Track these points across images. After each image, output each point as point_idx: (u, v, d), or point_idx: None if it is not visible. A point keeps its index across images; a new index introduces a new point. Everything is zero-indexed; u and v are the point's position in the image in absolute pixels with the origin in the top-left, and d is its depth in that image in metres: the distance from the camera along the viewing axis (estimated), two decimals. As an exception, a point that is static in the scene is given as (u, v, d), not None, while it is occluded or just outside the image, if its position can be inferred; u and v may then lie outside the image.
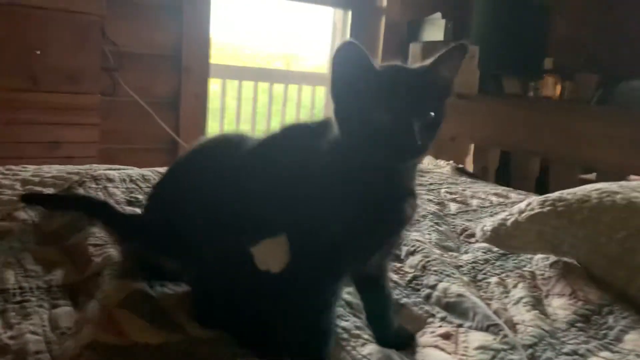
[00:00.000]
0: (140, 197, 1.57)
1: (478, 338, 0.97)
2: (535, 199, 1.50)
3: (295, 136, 0.96)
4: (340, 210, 0.85)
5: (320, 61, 4.47)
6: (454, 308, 1.08)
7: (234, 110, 3.77)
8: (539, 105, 2.63)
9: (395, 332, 1.00)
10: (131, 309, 0.96)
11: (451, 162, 2.45)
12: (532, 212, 1.46)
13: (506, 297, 1.19)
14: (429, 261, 1.27)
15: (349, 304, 1.05)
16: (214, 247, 0.96)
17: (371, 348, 0.93)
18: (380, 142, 0.80)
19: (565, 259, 1.36)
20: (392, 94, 0.80)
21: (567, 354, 0.96)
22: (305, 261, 0.88)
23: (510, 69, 4.19)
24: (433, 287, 1.17)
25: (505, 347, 0.92)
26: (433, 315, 1.08)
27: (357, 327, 0.98)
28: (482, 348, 0.93)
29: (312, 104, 4.10)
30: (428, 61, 0.84)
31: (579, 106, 2.65)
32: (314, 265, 0.88)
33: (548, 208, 1.44)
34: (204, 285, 1.00)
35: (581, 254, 1.33)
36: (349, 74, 0.81)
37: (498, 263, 1.39)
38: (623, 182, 1.47)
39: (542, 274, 1.31)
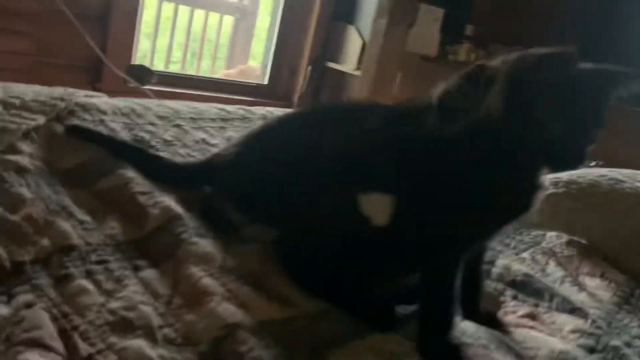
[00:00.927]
0: (146, 136, 1.39)
1: (567, 321, 1.00)
2: (545, 178, 1.57)
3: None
4: (484, 198, 0.85)
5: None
6: (524, 287, 1.11)
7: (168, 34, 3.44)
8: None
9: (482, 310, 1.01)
10: (238, 277, 0.86)
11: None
12: (547, 192, 1.53)
13: (547, 275, 1.25)
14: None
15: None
16: (321, 205, 0.90)
17: (468, 325, 0.93)
18: (566, 151, 0.80)
19: (577, 238, 1.45)
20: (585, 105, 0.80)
21: (636, 336, 1.04)
22: (437, 238, 0.87)
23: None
24: (491, 262, 1.19)
25: (600, 331, 0.97)
26: (502, 294, 1.10)
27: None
28: (579, 332, 0.97)
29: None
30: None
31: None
32: (451, 238, 0.87)
33: (562, 189, 1.53)
34: (307, 251, 0.93)
35: (594, 236, 1.43)
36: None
37: (518, 238, 1.45)
38: (624, 171, 1.59)
39: (562, 252, 1.39)
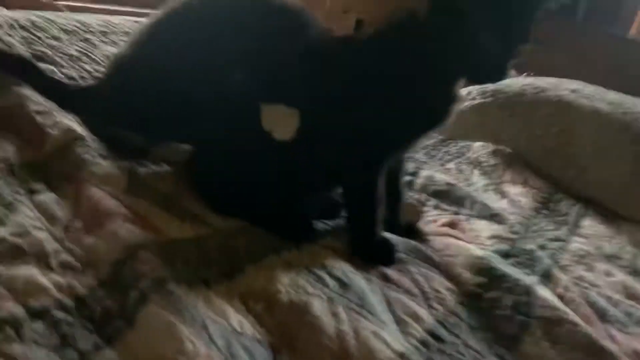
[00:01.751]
0: (48, 52, 1.27)
1: (485, 227, 1.02)
2: (473, 88, 1.56)
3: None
4: (405, 103, 0.82)
5: None
6: (446, 196, 1.12)
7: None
8: None
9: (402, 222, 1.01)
10: (146, 198, 0.82)
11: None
12: (475, 102, 1.53)
13: (470, 184, 1.26)
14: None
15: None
16: (223, 116, 0.85)
17: (389, 235, 0.93)
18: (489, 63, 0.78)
19: (502, 147, 1.47)
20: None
21: (552, 239, 1.07)
22: (358, 144, 0.85)
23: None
24: (414, 174, 1.18)
25: (516, 236, 0.99)
26: (424, 204, 1.10)
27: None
28: (497, 238, 0.98)
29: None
30: None
31: None
32: (368, 148, 0.85)
33: (490, 99, 1.52)
34: (214, 168, 0.89)
35: (520, 144, 1.45)
36: None
37: (444, 149, 1.45)
38: (549, 79, 1.59)
39: (487, 161, 1.40)
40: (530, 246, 0.97)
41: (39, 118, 0.95)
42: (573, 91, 1.52)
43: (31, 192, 0.80)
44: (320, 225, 0.94)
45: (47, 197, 0.80)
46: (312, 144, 0.84)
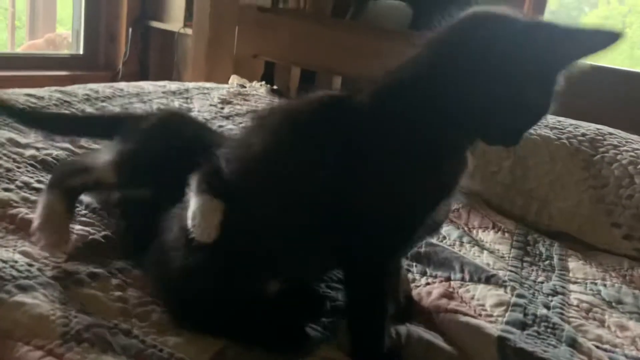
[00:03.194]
0: None
1: (486, 293, 0.90)
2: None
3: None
4: (415, 187, 0.70)
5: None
6: (430, 259, 1.00)
7: None
8: (330, 23, 2.58)
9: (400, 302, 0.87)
10: (94, 344, 0.62)
11: (263, 82, 2.27)
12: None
13: (444, 238, 1.15)
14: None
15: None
16: None
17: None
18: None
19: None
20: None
21: (549, 294, 0.98)
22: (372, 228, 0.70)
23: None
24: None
25: (523, 300, 0.88)
26: (409, 270, 0.98)
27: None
28: (503, 305, 0.87)
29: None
30: None
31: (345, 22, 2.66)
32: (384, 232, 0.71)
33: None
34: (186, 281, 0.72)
35: (476, 184, 1.37)
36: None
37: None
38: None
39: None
40: (542, 311, 0.87)
41: None
42: (514, 120, 1.48)
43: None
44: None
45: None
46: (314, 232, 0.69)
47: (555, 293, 0.98)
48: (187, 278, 0.72)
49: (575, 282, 1.05)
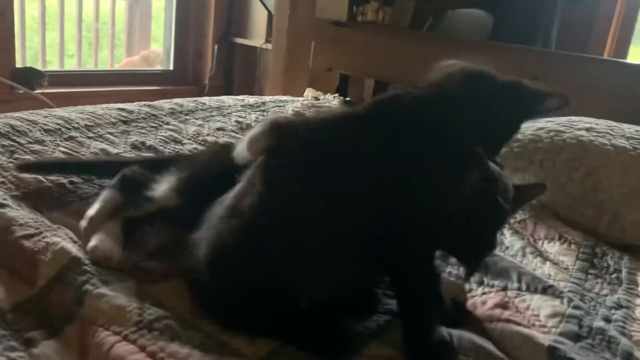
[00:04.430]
0: (31, 158, 1.16)
1: (542, 304, 0.90)
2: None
3: None
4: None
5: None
6: (488, 269, 1.01)
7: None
8: (409, 36, 2.61)
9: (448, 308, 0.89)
10: (163, 331, 0.70)
11: (337, 95, 2.34)
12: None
13: (506, 248, 1.15)
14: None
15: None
16: None
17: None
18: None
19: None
20: None
21: (612, 307, 0.96)
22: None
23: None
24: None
25: (579, 312, 0.88)
26: (466, 280, 0.99)
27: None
28: (559, 316, 0.87)
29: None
30: None
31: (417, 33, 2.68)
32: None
33: (504, 149, 1.43)
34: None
35: (545, 195, 1.35)
36: None
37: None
38: (560, 119, 1.52)
39: (515, 218, 1.30)
40: (599, 323, 0.86)
41: (27, 243, 0.84)
42: (588, 130, 1.45)
43: (27, 343, 0.68)
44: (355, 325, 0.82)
45: (48, 348, 0.68)
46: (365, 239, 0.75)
47: (619, 306, 0.97)
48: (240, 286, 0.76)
49: (641, 297, 1.02)
